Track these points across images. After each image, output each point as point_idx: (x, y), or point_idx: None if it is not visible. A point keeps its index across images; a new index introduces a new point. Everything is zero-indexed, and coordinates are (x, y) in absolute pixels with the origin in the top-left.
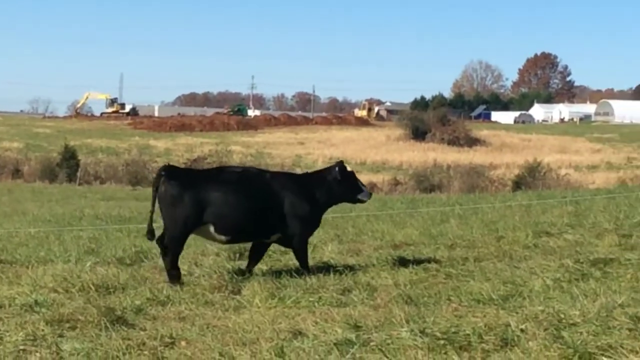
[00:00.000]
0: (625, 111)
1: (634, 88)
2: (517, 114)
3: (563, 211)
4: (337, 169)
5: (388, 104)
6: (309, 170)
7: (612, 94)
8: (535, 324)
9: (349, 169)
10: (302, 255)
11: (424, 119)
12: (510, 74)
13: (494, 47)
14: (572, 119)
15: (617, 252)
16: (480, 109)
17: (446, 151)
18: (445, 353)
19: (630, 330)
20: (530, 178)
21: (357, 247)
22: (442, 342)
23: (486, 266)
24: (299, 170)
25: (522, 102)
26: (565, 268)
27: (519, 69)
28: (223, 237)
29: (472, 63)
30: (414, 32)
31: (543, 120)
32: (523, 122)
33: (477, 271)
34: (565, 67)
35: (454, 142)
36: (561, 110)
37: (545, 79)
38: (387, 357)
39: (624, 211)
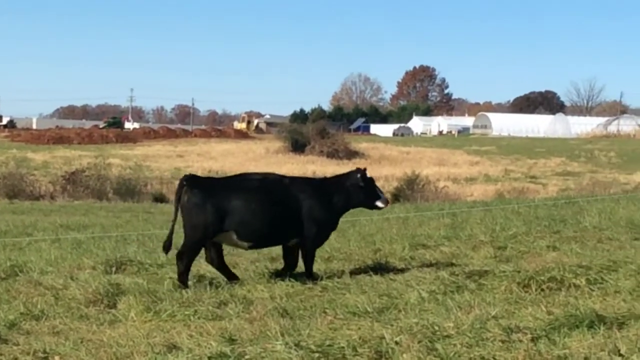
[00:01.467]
0: (503, 124)
1: (511, 101)
2: (396, 126)
3: (440, 223)
4: (358, 175)
5: (267, 116)
6: (328, 176)
7: (490, 107)
8: (409, 336)
9: (368, 175)
10: (310, 259)
11: (303, 131)
12: (389, 87)
13: (373, 60)
14: (451, 132)
15: (492, 264)
16: (360, 121)
17: (325, 164)
18: None
19: (503, 342)
20: (408, 190)
21: (234, 260)
22: (316, 355)
23: (362, 279)
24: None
25: (401, 114)
26: (441, 280)
27: (398, 82)
28: (245, 244)
29: (351, 76)
30: (294, 44)
31: (422, 133)
32: (402, 134)
33: (354, 284)
34: (444, 80)
35: (333, 154)
36: (440, 123)
37: (423, 92)
38: None
39: (500, 223)
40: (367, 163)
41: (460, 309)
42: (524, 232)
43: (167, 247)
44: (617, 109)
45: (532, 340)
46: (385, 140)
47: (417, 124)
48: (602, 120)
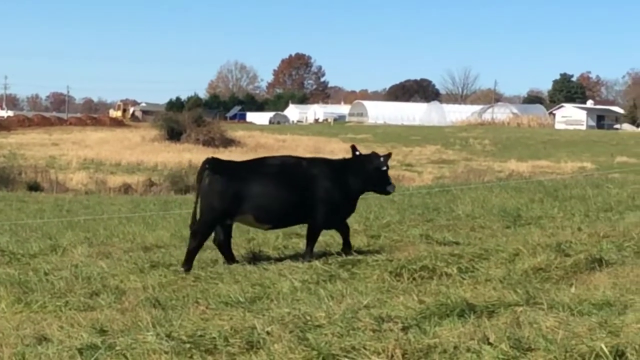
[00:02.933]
0: (379, 112)
1: (387, 89)
2: (272, 114)
3: None
4: (382, 158)
5: (143, 104)
6: (346, 157)
7: (366, 95)
8: (281, 326)
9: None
10: (314, 238)
11: (179, 119)
12: (265, 75)
13: (249, 48)
14: (327, 120)
15: (365, 253)
16: (236, 109)
17: (201, 152)
18: (191, 357)
19: (374, 331)
20: None
21: (108, 249)
22: (187, 345)
23: (235, 268)
24: (52, 172)
25: (277, 103)
26: (314, 269)
27: (274, 70)
28: (265, 225)
29: (227, 64)
30: (171, 32)
31: (298, 121)
32: (278, 122)
33: (226, 273)
34: (320, 68)
35: (209, 142)
36: (316, 111)
37: (300, 80)
38: None
39: (374, 212)
40: (243, 151)
41: (333, 299)
42: (398, 221)
43: (193, 227)
44: (492, 97)
45: (403, 329)
46: (261, 128)
47: (293, 112)
48: (476, 108)
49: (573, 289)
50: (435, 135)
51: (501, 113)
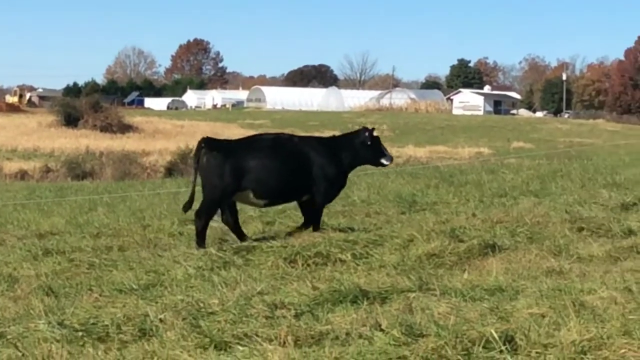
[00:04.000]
0: (277, 98)
1: (285, 75)
2: (170, 100)
3: None
4: (366, 133)
5: (40, 90)
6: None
7: (264, 81)
8: (174, 314)
9: (375, 134)
10: (319, 214)
11: (76, 105)
12: (163, 61)
13: (147, 33)
14: (225, 105)
15: (260, 240)
16: (134, 95)
17: (99, 138)
18: (83, 345)
19: (267, 318)
20: (182, 164)
21: (1, 237)
22: (80, 333)
23: (130, 255)
24: None
25: (175, 88)
26: (209, 256)
27: (172, 56)
28: (261, 202)
29: (125, 49)
30: (67, 16)
31: (196, 107)
32: (176, 108)
33: (121, 260)
34: (218, 54)
35: (106, 128)
36: (214, 97)
37: (198, 66)
38: (20, 351)
39: None
40: (141, 137)
41: (226, 285)
42: (293, 207)
43: (187, 207)
44: (390, 83)
45: (296, 316)
46: (159, 114)
47: (191, 97)
48: (375, 94)
49: (466, 275)
50: (333, 120)
51: (399, 98)
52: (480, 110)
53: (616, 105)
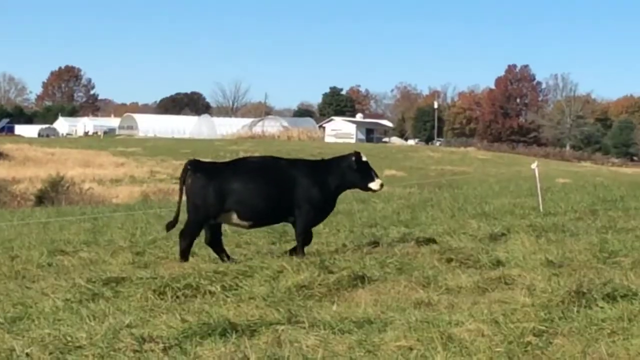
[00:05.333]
0: (149, 125)
1: (158, 102)
2: (41, 127)
3: (80, 228)
4: (353, 158)
5: None
6: (325, 158)
7: (136, 108)
8: (41, 348)
9: (364, 158)
10: (303, 238)
11: None
12: (34, 87)
13: (17, 59)
14: (97, 133)
15: (129, 270)
16: (4, 122)
17: None
18: None
19: (134, 351)
20: (53, 192)
21: None
22: None
23: None
24: None
25: (46, 115)
26: (77, 288)
27: (43, 82)
28: (246, 223)
29: None
30: None
31: (68, 134)
32: (47, 135)
33: None
34: (90, 81)
35: None
36: (86, 124)
37: (69, 93)
38: None
39: (141, 228)
40: (11, 164)
41: (95, 318)
42: (164, 237)
43: (171, 226)
44: (262, 111)
45: (164, 349)
46: (30, 141)
47: (62, 124)
48: (247, 121)
49: (335, 307)
50: (205, 148)
51: (272, 126)
52: (352, 138)
53: (487, 134)
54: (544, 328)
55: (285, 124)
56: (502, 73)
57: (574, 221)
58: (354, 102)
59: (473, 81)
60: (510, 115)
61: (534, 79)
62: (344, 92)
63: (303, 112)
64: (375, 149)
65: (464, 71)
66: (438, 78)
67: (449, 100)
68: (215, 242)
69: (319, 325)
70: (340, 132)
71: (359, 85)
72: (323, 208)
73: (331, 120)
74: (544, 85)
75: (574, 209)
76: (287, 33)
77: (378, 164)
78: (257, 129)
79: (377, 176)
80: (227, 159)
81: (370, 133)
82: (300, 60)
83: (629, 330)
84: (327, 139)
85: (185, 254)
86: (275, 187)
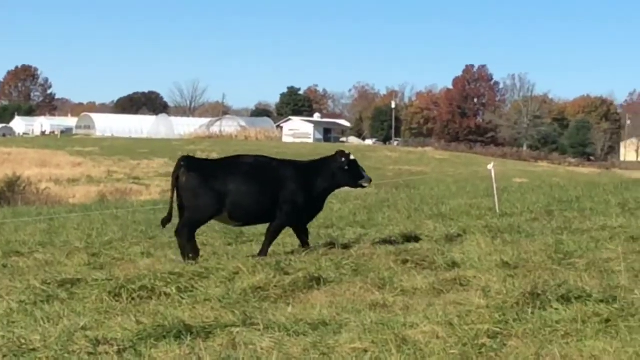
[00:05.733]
0: (107, 125)
1: (115, 101)
2: None
3: (36, 229)
4: (342, 158)
5: None
6: (315, 158)
7: (94, 108)
8: None
9: (352, 157)
10: (273, 236)
11: None
12: None
13: None
14: (54, 132)
15: (85, 272)
16: None
17: None
18: None
19: (89, 354)
20: (10, 193)
21: None
22: None
23: None
24: None
25: (2, 115)
26: (32, 290)
27: (0, 82)
28: (238, 223)
29: None
30: None
31: (24, 134)
32: (4, 135)
33: None
34: (47, 80)
35: None
36: (43, 124)
37: (26, 92)
38: None
39: (97, 229)
40: None
41: (49, 321)
42: (120, 238)
43: (165, 222)
44: (220, 110)
45: (119, 352)
46: None
47: (19, 124)
48: (205, 121)
49: (290, 309)
50: (163, 148)
51: (229, 126)
52: (310, 138)
53: (444, 133)
54: (498, 330)
55: (243, 123)
56: (459, 73)
57: (530, 222)
58: (311, 101)
59: (431, 81)
60: (467, 115)
61: (492, 79)
62: (301, 92)
63: (261, 112)
64: (332, 148)
65: (422, 71)
66: (396, 78)
67: (406, 100)
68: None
69: (274, 327)
70: (298, 132)
71: (316, 85)
72: (311, 209)
73: (289, 120)
74: (501, 85)
75: (530, 210)
76: (245, 33)
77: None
78: (215, 129)
79: (364, 172)
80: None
81: (328, 133)
82: (258, 60)
83: (582, 332)
84: (285, 139)
85: (186, 250)
86: (267, 188)
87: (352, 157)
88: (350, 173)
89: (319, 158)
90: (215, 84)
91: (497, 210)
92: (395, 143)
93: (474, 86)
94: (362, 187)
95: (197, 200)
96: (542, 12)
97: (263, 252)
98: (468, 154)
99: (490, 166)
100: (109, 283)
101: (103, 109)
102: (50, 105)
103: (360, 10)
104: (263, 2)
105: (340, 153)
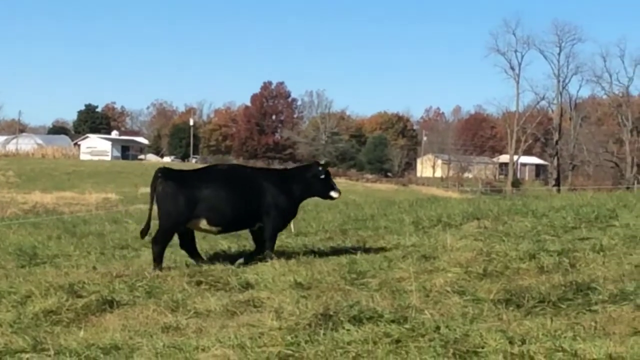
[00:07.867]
0: None
1: None
2: None
3: None
4: (319, 168)
5: None
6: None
7: None
8: None
9: (327, 167)
10: (272, 242)
11: None
12: None
13: None
14: None
15: None
16: None
17: None
18: None
19: None
20: None
21: None
22: None
23: None
24: None
25: None
26: None
27: None
28: (215, 229)
29: None
30: None
31: None
32: None
33: None
34: None
35: None
36: None
37: None
38: None
39: None
40: None
41: None
42: None
43: (144, 232)
44: (16, 128)
45: None
46: None
47: None
48: (0, 139)
49: (82, 333)
50: None
51: (26, 144)
52: (108, 155)
53: (243, 150)
54: (290, 352)
55: (40, 141)
56: (257, 90)
57: (325, 241)
58: (109, 119)
59: (229, 98)
60: (266, 132)
61: (290, 95)
62: (99, 109)
63: (58, 129)
64: (130, 166)
65: (220, 88)
66: (194, 95)
67: (205, 117)
68: (190, 247)
69: (65, 353)
70: (96, 149)
71: (114, 102)
72: (288, 214)
73: (86, 137)
74: (299, 102)
75: (325, 229)
76: (41, 49)
77: (133, 181)
78: (11, 147)
79: (335, 185)
80: None
81: (126, 150)
82: (55, 76)
83: (373, 353)
84: (83, 157)
85: (159, 259)
86: (243, 194)
87: (327, 168)
88: (324, 183)
89: (295, 166)
90: (10, 101)
91: (292, 230)
92: (194, 160)
93: (272, 103)
94: (332, 198)
95: (169, 207)
96: (339, 30)
97: (269, 256)
98: None
99: None
100: None
101: None
102: None
103: (155, 29)
104: (59, 20)
105: (317, 163)
